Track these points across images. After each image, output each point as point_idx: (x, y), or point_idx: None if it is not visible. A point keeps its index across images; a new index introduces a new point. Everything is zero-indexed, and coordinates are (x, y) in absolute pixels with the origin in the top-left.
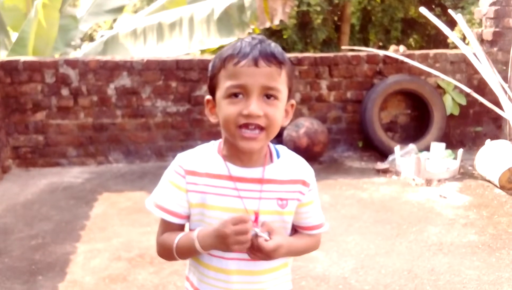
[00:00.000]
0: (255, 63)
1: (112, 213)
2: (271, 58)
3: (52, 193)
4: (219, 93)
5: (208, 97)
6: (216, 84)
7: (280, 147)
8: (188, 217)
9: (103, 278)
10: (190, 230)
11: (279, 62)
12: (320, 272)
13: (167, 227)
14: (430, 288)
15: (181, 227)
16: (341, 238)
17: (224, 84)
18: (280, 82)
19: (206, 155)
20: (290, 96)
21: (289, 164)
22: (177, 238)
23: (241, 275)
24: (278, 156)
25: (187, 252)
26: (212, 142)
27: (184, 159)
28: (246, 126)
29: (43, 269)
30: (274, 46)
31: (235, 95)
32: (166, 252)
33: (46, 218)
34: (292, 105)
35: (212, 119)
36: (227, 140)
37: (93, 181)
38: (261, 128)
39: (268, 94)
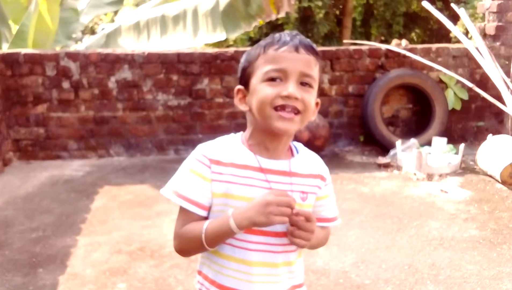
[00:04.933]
0: (296, 49)
1: (113, 206)
2: (310, 48)
3: (53, 186)
4: (256, 78)
5: (239, 86)
6: (252, 71)
7: (297, 144)
8: (209, 209)
9: (104, 271)
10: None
11: (316, 54)
12: (321, 266)
13: (188, 219)
14: (431, 282)
15: (202, 220)
16: (341, 232)
17: (263, 69)
18: (315, 72)
19: (230, 145)
20: (316, 93)
21: (308, 159)
22: (205, 224)
23: (262, 267)
24: (297, 152)
25: (219, 235)
26: (232, 134)
27: (208, 149)
28: (282, 108)
29: (43, 261)
30: (310, 41)
31: (273, 79)
32: (190, 243)
33: (46, 211)
34: (317, 104)
35: (243, 108)
36: (257, 128)
37: (94, 174)
38: (297, 112)
39: (304, 82)
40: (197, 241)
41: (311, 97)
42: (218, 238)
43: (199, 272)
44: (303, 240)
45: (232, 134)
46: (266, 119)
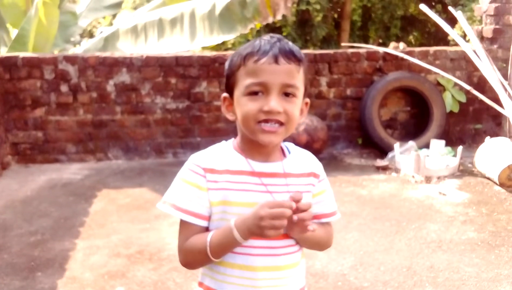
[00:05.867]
0: (275, 60)
1: (111, 210)
2: (291, 56)
3: (51, 190)
4: (238, 91)
5: (225, 95)
6: (235, 82)
7: (287, 144)
8: (209, 219)
9: (102, 275)
10: (210, 231)
11: (298, 60)
12: (319, 269)
13: (190, 231)
14: (429, 285)
15: (204, 231)
16: (340, 235)
17: (244, 82)
18: (298, 79)
19: (223, 152)
20: (305, 94)
21: (299, 158)
22: (209, 236)
23: (267, 271)
24: (289, 152)
25: (224, 246)
26: (223, 141)
27: (200, 158)
28: (265, 121)
29: (42, 265)
30: (292, 44)
31: (255, 93)
32: (195, 257)
33: (45, 214)
34: (306, 104)
35: (229, 117)
36: (245, 136)
37: (92, 178)
38: (281, 124)
39: (287, 92)
40: (202, 254)
41: (295, 107)
42: (224, 249)
43: (200, 284)
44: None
45: (223, 142)
46: (251, 133)
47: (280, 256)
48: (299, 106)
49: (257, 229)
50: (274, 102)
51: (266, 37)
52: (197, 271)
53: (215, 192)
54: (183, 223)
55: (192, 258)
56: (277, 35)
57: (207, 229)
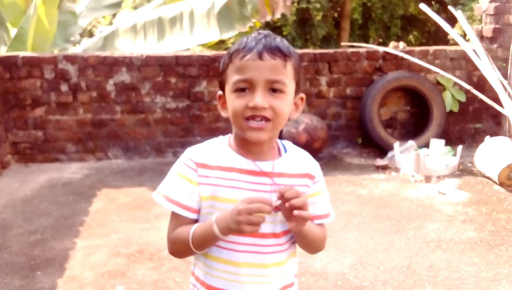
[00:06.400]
0: (260, 56)
1: (111, 209)
2: (276, 51)
3: (51, 189)
4: (227, 88)
5: (220, 92)
6: (225, 79)
7: (286, 142)
8: (199, 212)
9: (102, 274)
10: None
11: (283, 55)
12: (319, 268)
13: (179, 222)
14: (429, 284)
15: (193, 223)
16: (340, 234)
17: (232, 79)
18: (286, 75)
19: (217, 148)
20: (299, 89)
21: (295, 158)
22: (193, 228)
23: (250, 267)
24: (285, 151)
25: (205, 240)
26: (221, 136)
27: (194, 153)
28: (252, 117)
29: (42, 264)
30: (279, 40)
31: (242, 89)
32: (180, 247)
33: (45, 213)
34: (301, 99)
35: (224, 114)
36: (238, 134)
37: (92, 177)
38: (267, 119)
39: (274, 88)
40: (185, 245)
41: (282, 103)
42: (204, 243)
43: (192, 273)
44: (301, 220)
45: (220, 137)
46: (240, 129)
47: (265, 254)
48: (288, 102)
49: (233, 223)
50: (259, 98)
51: (254, 34)
52: None
53: (205, 187)
54: (173, 214)
55: (177, 248)
56: (265, 32)
57: (196, 221)
